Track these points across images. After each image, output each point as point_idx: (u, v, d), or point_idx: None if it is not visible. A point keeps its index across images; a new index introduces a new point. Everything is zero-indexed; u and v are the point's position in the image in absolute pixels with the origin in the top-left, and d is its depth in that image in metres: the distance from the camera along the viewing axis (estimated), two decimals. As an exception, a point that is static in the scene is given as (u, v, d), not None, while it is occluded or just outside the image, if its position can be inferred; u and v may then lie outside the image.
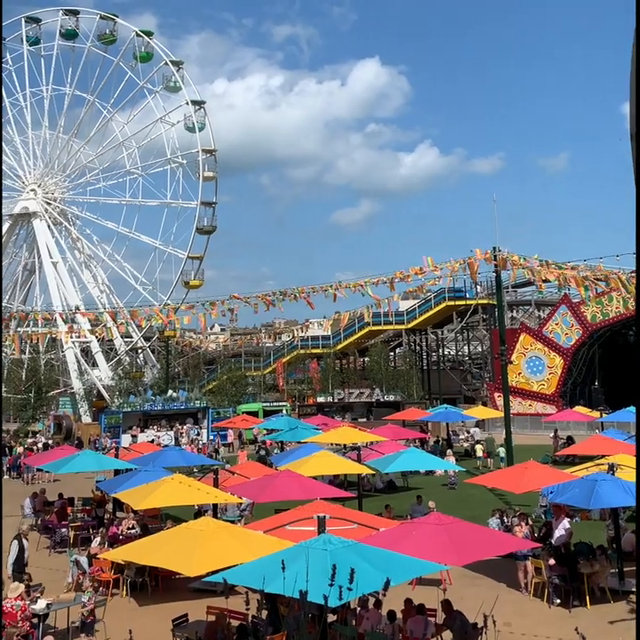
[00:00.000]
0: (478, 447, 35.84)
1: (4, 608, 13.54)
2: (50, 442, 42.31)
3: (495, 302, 40.21)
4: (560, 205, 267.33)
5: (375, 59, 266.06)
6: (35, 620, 12.61)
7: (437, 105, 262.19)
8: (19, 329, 58.05)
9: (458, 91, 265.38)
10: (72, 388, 62.03)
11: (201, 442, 41.95)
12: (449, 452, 34.44)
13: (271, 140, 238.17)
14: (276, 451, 36.45)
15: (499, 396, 44.36)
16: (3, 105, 70.54)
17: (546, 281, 31.53)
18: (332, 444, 31.98)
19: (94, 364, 64.83)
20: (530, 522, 17.52)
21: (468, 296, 62.83)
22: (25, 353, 61.38)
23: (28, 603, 13.50)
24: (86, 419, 56.12)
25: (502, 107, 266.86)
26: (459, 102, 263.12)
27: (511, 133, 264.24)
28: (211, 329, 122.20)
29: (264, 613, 11.16)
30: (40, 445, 40.67)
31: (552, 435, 37.46)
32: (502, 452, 31.00)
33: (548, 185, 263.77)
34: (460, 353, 74.03)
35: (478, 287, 60.11)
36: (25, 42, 70.38)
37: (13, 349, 59.87)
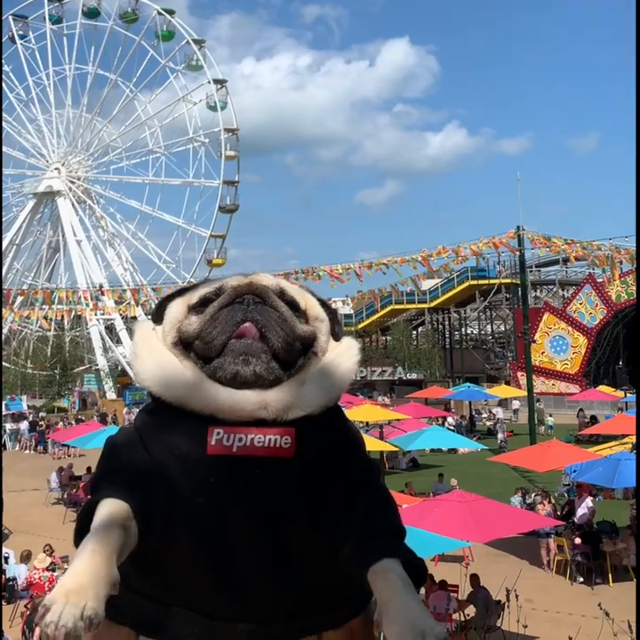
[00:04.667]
0: None
1: (31, 578, 13.90)
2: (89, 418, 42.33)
3: (518, 282, 39.91)
4: (589, 185, 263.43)
5: (405, 38, 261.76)
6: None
7: (466, 85, 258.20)
8: (44, 306, 58.60)
9: (487, 70, 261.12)
10: (97, 365, 62.59)
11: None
12: (499, 419, 36.00)
13: (298, 121, 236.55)
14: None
15: (522, 375, 44.14)
16: (26, 84, 70.97)
17: (567, 261, 31.38)
18: (354, 422, 32.11)
19: (118, 342, 65.31)
20: (552, 500, 17.55)
21: (490, 275, 62.40)
22: (50, 330, 62.03)
23: (56, 575, 13.82)
24: (111, 395, 56.65)
25: (531, 86, 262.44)
26: (488, 82, 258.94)
27: (540, 113, 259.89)
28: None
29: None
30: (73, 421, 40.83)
31: (578, 413, 37.46)
32: (551, 420, 35.14)
33: (577, 165, 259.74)
34: (482, 332, 73.70)
35: (500, 266, 59.57)
36: (48, 21, 70.11)
37: (40, 326, 60.56)
